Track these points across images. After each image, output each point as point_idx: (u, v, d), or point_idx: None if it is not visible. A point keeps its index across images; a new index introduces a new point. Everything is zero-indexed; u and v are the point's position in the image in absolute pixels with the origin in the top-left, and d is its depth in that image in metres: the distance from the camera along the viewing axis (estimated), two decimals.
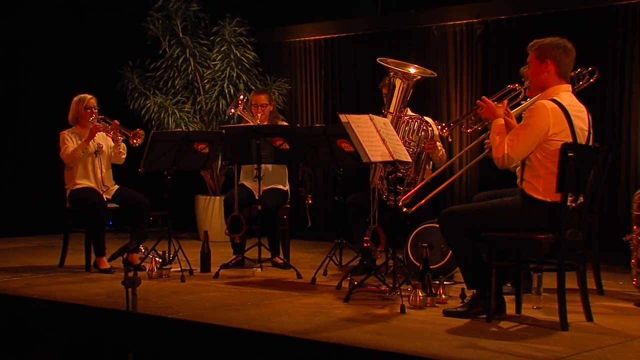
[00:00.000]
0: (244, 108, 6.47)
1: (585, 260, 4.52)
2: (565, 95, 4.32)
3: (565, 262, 4.26)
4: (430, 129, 5.83)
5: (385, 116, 5.73)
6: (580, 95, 4.91)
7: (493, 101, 4.54)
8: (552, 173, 4.21)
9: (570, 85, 4.45)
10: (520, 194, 4.35)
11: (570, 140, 4.23)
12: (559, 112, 4.22)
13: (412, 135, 5.81)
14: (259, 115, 6.49)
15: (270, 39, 8.69)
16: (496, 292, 4.38)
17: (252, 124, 6.39)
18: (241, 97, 6.56)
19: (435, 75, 6.05)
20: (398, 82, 5.77)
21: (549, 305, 4.61)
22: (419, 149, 5.79)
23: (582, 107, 4.37)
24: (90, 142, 6.28)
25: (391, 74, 5.80)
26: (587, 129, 4.34)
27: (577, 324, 4.29)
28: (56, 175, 6.47)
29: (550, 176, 4.21)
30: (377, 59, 5.83)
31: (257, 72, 8.36)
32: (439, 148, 5.95)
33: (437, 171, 5.77)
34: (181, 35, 8.28)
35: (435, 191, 5.44)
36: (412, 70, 5.81)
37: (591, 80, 5.20)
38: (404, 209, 5.36)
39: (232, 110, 6.70)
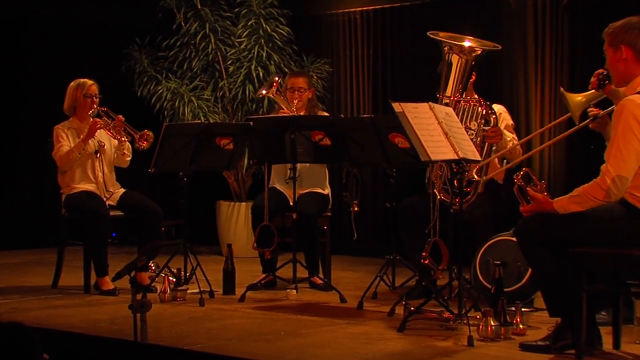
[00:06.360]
0: (277, 90, 6.44)
1: None
2: None
3: None
4: (494, 117, 5.77)
5: (440, 101, 5.71)
6: None
7: None
8: None
9: None
10: (621, 202, 4.31)
11: None
12: None
13: (469, 123, 5.77)
14: (295, 101, 6.50)
15: (307, 11, 8.71)
16: (588, 321, 4.33)
17: (286, 111, 6.39)
18: (276, 78, 6.55)
19: (500, 47, 6.02)
20: (455, 58, 5.79)
21: None
22: (479, 139, 5.74)
23: None
24: (89, 141, 6.31)
25: (445, 49, 5.81)
26: None
27: None
28: (50, 177, 6.53)
29: None
30: (428, 32, 5.81)
31: (291, 52, 8.38)
32: (509, 139, 5.86)
33: (508, 165, 5.72)
34: (199, 7, 8.34)
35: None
36: (466, 43, 5.79)
37: None
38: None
39: (264, 92, 6.62)
